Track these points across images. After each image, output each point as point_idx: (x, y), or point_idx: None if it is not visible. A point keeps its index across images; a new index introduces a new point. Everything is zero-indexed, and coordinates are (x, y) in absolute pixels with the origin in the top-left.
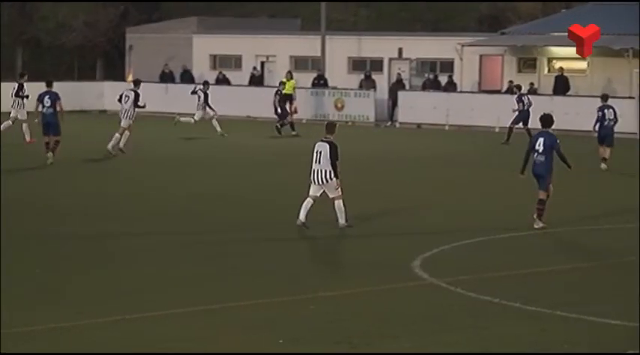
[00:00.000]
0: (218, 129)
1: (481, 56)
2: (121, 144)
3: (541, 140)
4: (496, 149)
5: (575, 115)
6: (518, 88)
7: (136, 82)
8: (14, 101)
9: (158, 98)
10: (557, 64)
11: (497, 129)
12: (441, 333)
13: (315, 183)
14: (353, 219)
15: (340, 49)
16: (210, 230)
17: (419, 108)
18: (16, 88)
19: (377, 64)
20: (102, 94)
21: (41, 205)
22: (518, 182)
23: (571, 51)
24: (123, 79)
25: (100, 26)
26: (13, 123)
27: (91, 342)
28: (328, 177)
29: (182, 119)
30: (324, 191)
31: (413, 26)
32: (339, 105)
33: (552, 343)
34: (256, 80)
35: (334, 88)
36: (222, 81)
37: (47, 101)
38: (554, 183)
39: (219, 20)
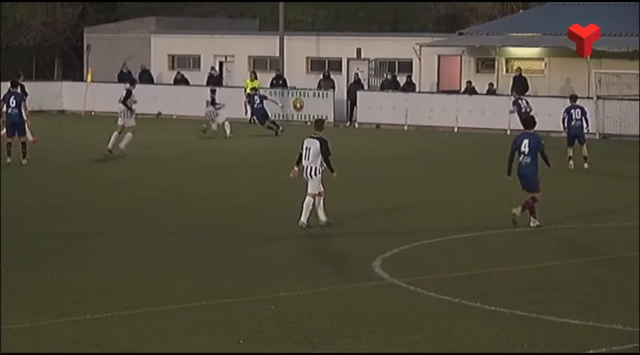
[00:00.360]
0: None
1: (439, 56)
2: (122, 145)
3: (526, 141)
4: (455, 149)
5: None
6: (518, 92)
7: (132, 82)
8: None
9: (117, 98)
10: (516, 65)
11: (456, 130)
12: (401, 333)
13: (306, 178)
14: (312, 221)
15: (299, 49)
16: (171, 230)
17: (378, 108)
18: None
19: (335, 64)
20: (60, 94)
21: (10, 205)
22: (479, 182)
23: (529, 51)
24: (82, 78)
25: (58, 26)
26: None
27: (52, 342)
28: (314, 172)
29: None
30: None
31: (371, 26)
32: (298, 105)
33: (512, 343)
34: (214, 80)
35: (293, 88)
36: (181, 81)
37: (12, 102)
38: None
39: (177, 20)
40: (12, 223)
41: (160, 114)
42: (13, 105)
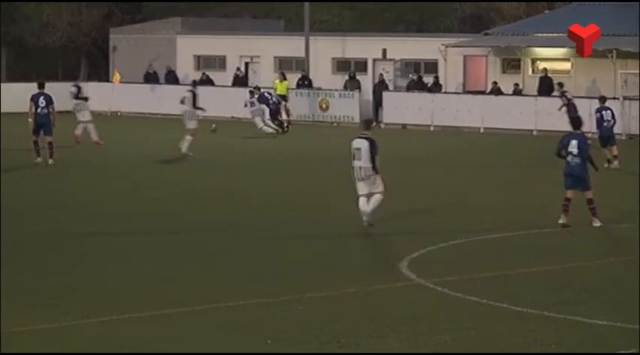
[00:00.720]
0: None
1: (465, 57)
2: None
3: (574, 142)
4: (482, 149)
5: (559, 116)
6: (560, 85)
7: (194, 83)
8: (77, 103)
9: (144, 99)
10: (541, 65)
11: (481, 130)
12: (428, 334)
13: (360, 179)
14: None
15: (324, 50)
16: (196, 229)
17: (404, 108)
18: (76, 90)
19: (361, 65)
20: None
21: (24, 205)
22: (505, 182)
23: (555, 51)
24: (107, 79)
25: (83, 27)
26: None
27: (78, 343)
28: (369, 172)
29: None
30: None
31: (396, 27)
32: (324, 105)
33: (539, 344)
34: (240, 81)
35: (319, 88)
36: (206, 81)
37: (42, 102)
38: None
39: (203, 21)
40: (34, 222)
41: None
42: (43, 105)
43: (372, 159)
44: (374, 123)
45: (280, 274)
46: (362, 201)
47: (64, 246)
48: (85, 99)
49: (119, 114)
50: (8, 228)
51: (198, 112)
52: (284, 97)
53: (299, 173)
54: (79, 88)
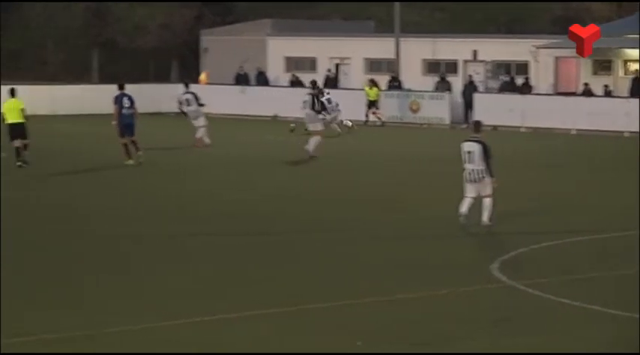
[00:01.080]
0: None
1: (556, 58)
2: (311, 149)
3: None
4: (573, 151)
5: None
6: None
7: (314, 84)
8: (194, 110)
9: (234, 100)
10: (633, 67)
11: (573, 132)
12: (518, 335)
13: (471, 181)
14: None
15: (415, 52)
16: (284, 230)
17: (494, 110)
18: (192, 96)
19: (451, 66)
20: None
21: (110, 206)
22: (599, 184)
23: None
24: (197, 81)
25: (175, 28)
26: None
27: (158, 345)
28: (482, 174)
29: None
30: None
31: (487, 28)
32: (415, 107)
33: (631, 346)
34: (331, 82)
35: (409, 90)
36: (295, 83)
37: (127, 102)
38: None
39: (293, 22)
40: (117, 225)
41: (276, 116)
42: (127, 105)
43: (487, 163)
44: (483, 126)
45: (369, 274)
46: (466, 202)
47: (142, 247)
48: (202, 105)
49: (208, 115)
50: (102, 229)
51: (321, 115)
52: (374, 103)
53: (398, 174)
54: (195, 96)
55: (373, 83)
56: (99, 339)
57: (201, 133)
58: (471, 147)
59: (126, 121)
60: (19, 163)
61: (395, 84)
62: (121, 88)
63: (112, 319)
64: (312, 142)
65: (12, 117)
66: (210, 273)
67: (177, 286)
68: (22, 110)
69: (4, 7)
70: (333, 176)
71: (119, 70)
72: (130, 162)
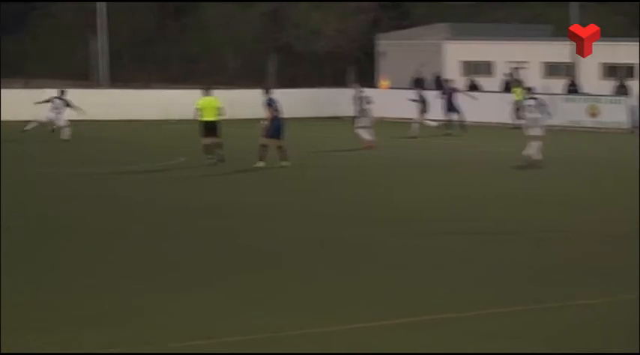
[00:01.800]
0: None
1: None
2: (532, 153)
3: None
4: None
5: None
6: None
7: (528, 89)
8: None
9: (410, 104)
10: None
11: None
12: None
13: None
14: None
15: (593, 55)
16: (455, 232)
17: None
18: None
19: (629, 71)
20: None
21: (296, 209)
22: None
23: None
24: (374, 85)
25: (350, 33)
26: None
27: (344, 347)
28: None
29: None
30: None
31: None
32: (593, 111)
33: None
34: (510, 86)
35: (587, 94)
36: (472, 88)
37: (280, 106)
38: None
39: (470, 26)
40: (271, 226)
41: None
42: (281, 108)
43: None
44: None
45: (548, 278)
46: None
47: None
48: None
49: (383, 120)
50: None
51: (541, 121)
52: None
53: (573, 176)
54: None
55: (517, 84)
56: (278, 341)
57: (367, 134)
58: None
59: (278, 123)
60: (212, 160)
61: (572, 88)
62: (267, 92)
63: (294, 321)
64: (534, 147)
65: (208, 115)
66: (380, 276)
67: (346, 290)
68: (219, 108)
69: (182, 12)
70: (528, 178)
71: (295, 74)
72: (261, 163)
